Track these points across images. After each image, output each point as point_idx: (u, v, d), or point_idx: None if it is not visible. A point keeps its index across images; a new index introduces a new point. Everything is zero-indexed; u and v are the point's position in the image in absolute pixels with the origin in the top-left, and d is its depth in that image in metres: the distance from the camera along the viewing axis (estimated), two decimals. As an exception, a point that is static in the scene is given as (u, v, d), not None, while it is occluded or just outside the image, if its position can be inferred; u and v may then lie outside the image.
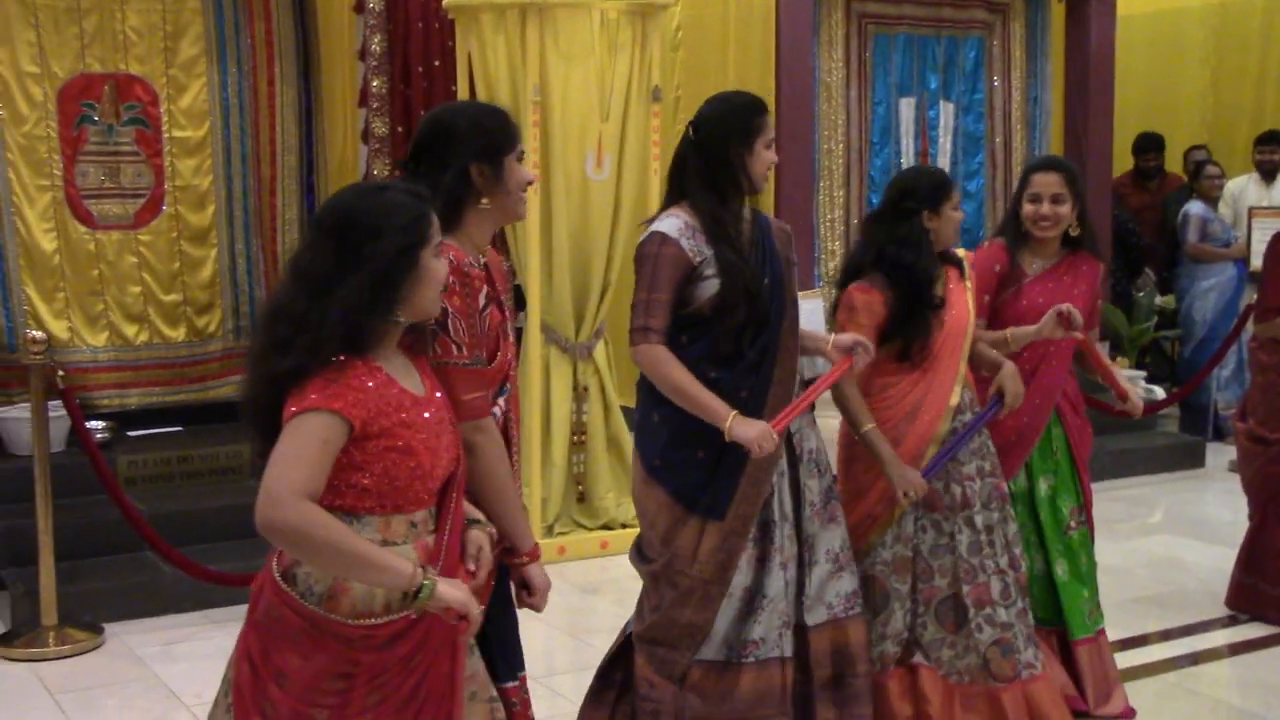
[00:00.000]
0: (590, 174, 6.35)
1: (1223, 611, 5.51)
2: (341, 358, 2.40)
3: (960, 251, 4.17)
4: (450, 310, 2.79)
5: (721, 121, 3.63)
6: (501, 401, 2.98)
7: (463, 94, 6.52)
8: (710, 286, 3.56)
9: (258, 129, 7.00)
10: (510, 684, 3.03)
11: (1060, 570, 4.40)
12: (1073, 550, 4.43)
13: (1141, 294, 9.23)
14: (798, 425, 3.75)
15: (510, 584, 3.05)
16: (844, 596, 3.78)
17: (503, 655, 3.02)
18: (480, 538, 2.67)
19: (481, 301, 2.87)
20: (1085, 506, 4.47)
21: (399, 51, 7.01)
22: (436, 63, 7.04)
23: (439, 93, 7.00)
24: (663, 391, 3.54)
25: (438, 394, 2.60)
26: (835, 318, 4.06)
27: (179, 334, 6.84)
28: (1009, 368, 4.07)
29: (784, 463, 3.70)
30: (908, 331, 3.94)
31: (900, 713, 3.97)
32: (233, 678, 2.50)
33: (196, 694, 4.72)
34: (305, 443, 2.34)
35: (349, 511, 2.43)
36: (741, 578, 3.61)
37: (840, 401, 3.99)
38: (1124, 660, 5.02)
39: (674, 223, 3.60)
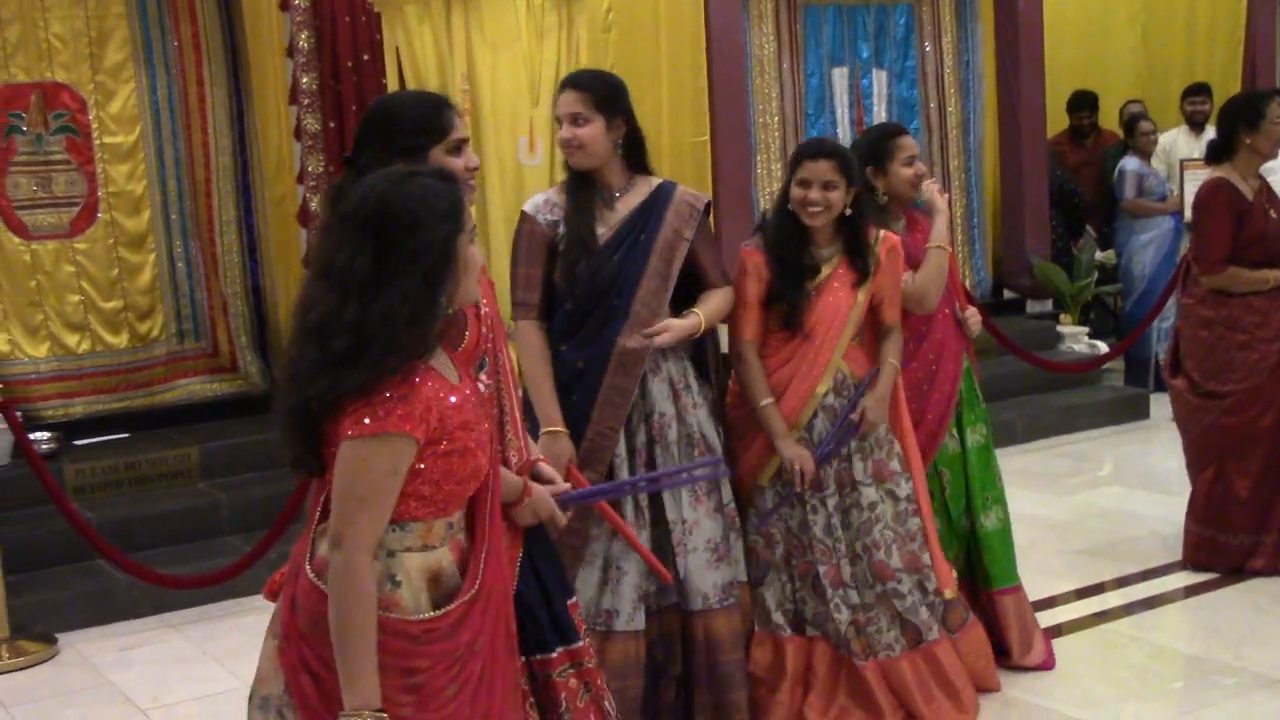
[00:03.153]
0: (523, 159, 6.39)
1: (1170, 559, 5.55)
2: (406, 363, 2.30)
3: (878, 234, 4.08)
4: None
5: None
6: (484, 375, 2.97)
7: (393, 87, 6.52)
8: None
9: (190, 131, 6.97)
10: (545, 655, 2.99)
11: (990, 521, 4.46)
12: (1003, 499, 4.51)
13: (1082, 251, 9.32)
14: (672, 408, 3.82)
15: (539, 558, 3.04)
16: (719, 587, 3.86)
17: (539, 625, 3.00)
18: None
19: None
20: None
21: (327, 47, 6.98)
22: (366, 57, 7.00)
23: (370, 87, 6.97)
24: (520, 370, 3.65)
25: (468, 379, 2.55)
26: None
27: (121, 340, 6.81)
28: (878, 393, 4.05)
29: (641, 440, 3.80)
30: (786, 295, 3.95)
31: (793, 687, 4.05)
32: (294, 694, 2.40)
33: (153, 698, 4.73)
34: (378, 479, 2.27)
35: (395, 520, 2.35)
36: (599, 546, 3.74)
37: (741, 374, 4.02)
38: (1075, 610, 5.11)
39: (538, 198, 3.83)
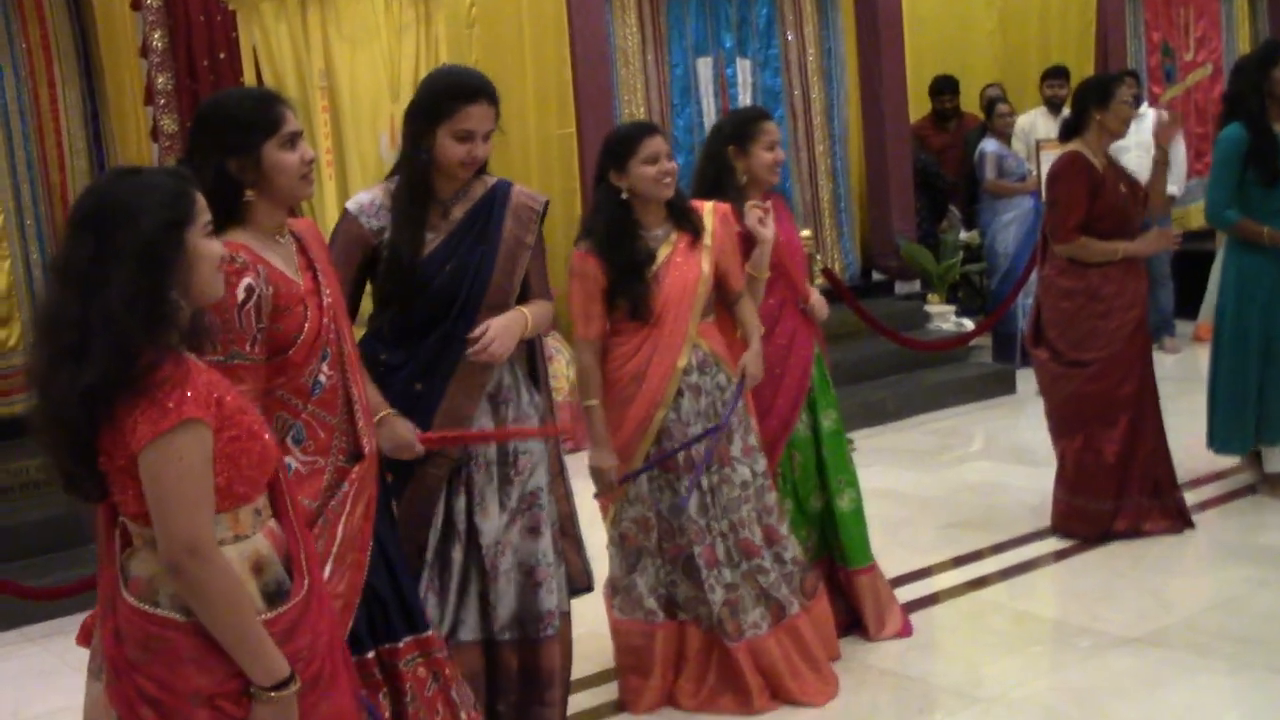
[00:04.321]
0: (385, 154, 6.35)
1: (1037, 527, 5.66)
2: (160, 355, 2.23)
3: (708, 205, 4.15)
4: None
5: (419, 101, 3.52)
6: (325, 366, 2.90)
7: (250, 84, 6.45)
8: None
9: (42, 135, 6.84)
10: (393, 645, 2.96)
11: (844, 503, 4.55)
12: (855, 481, 4.60)
13: (947, 232, 9.50)
14: (490, 423, 3.58)
15: (390, 546, 3.00)
16: (539, 616, 3.61)
17: (388, 614, 2.95)
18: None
19: (240, 295, 2.73)
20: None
21: (182, 46, 6.91)
22: (222, 55, 6.95)
23: (226, 85, 6.91)
24: None
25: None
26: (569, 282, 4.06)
27: (-23, 351, 6.67)
28: (753, 350, 4.13)
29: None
30: (628, 291, 3.96)
31: (664, 672, 4.11)
32: None
33: (13, 713, 4.63)
34: (195, 471, 2.23)
35: None
36: (430, 555, 3.53)
37: (577, 372, 4.07)
38: (948, 580, 5.21)
39: (364, 197, 3.56)
